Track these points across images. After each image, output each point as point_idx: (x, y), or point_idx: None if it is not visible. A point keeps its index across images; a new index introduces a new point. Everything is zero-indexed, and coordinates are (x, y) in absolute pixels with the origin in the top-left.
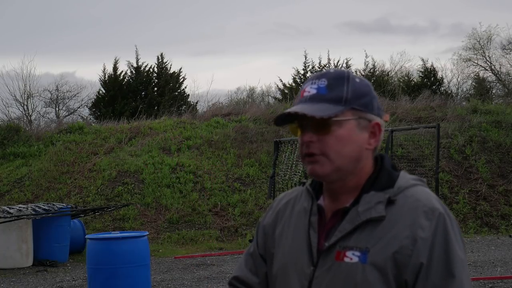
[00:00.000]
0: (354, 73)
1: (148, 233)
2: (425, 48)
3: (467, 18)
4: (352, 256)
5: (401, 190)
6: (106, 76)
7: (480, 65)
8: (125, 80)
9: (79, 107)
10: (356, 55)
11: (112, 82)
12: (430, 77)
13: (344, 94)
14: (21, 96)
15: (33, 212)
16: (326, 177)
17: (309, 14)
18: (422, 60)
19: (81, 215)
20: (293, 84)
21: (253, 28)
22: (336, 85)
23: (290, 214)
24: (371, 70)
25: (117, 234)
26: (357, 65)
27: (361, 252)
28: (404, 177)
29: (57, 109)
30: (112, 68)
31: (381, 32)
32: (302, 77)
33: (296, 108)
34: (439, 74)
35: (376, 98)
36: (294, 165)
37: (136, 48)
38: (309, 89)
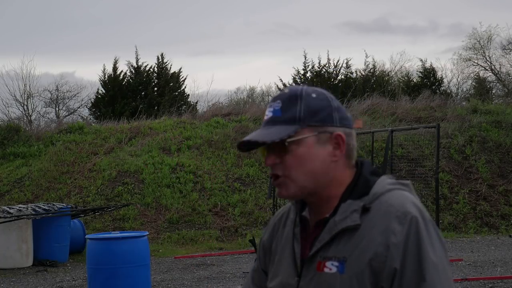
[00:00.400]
0: (311, 88)
1: (148, 233)
2: (424, 48)
3: (466, 18)
4: (331, 267)
5: (377, 196)
6: (106, 76)
7: (480, 65)
8: (125, 80)
9: (79, 107)
10: (356, 55)
11: (112, 82)
12: (429, 77)
13: (297, 113)
14: (21, 96)
15: (33, 212)
16: (293, 197)
17: (308, 14)
18: (421, 60)
19: (81, 215)
20: (293, 84)
21: (253, 28)
22: (290, 106)
23: (282, 227)
24: (371, 70)
25: (117, 234)
26: (357, 65)
27: (339, 262)
28: (382, 183)
29: (57, 109)
30: (112, 68)
31: (381, 32)
32: (302, 77)
33: (249, 136)
34: (439, 74)
35: (338, 108)
36: None
37: (136, 48)
38: (267, 113)
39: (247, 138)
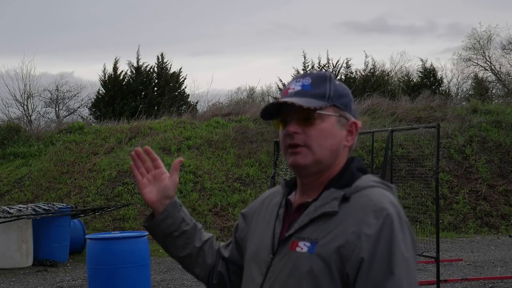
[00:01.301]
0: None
1: (148, 233)
2: (422, 48)
3: (464, 18)
4: (303, 246)
5: (358, 189)
6: (106, 76)
7: (480, 65)
8: (125, 80)
9: (79, 107)
10: (355, 55)
11: (112, 82)
12: (429, 77)
13: (327, 91)
14: (21, 96)
15: (33, 212)
16: (307, 168)
17: (307, 14)
18: (422, 60)
19: (81, 215)
20: None
21: (253, 28)
22: (320, 84)
23: (266, 207)
24: (371, 70)
25: (117, 234)
26: (356, 65)
27: (311, 243)
28: (366, 179)
29: (57, 109)
30: (112, 68)
31: (379, 32)
32: None
33: (285, 99)
34: (439, 74)
35: (353, 101)
36: None
37: (138, 48)
38: (294, 86)
39: (283, 99)
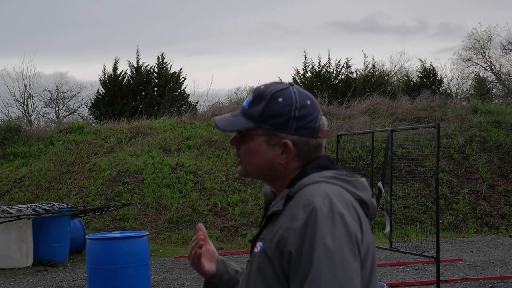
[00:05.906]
0: (286, 90)
1: (148, 233)
2: (413, 48)
3: (456, 18)
4: (258, 246)
5: (302, 187)
6: (106, 76)
7: (480, 65)
8: (125, 80)
9: (79, 107)
10: (348, 55)
11: (112, 82)
12: (429, 77)
13: (255, 113)
14: (21, 96)
15: (33, 212)
16: (246, 176)
17: (297, 14)
18: (421, 60)
19: (81, 215)
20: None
21: (253, 28)
22: (255, 103)
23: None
24: (371, 70)
25: (117, 234)
26: (355, 65)
27: (263, 242)
28: (314, 175)
29: (57, 109)
30: (112, 68)
31: (369, 32)
32: (302, 77)
33: (218, 118)
34: (439, 74)
35: (300, 118)
36: None
37: (138, 48)
38: (244, 101)
39: (217, 118)
